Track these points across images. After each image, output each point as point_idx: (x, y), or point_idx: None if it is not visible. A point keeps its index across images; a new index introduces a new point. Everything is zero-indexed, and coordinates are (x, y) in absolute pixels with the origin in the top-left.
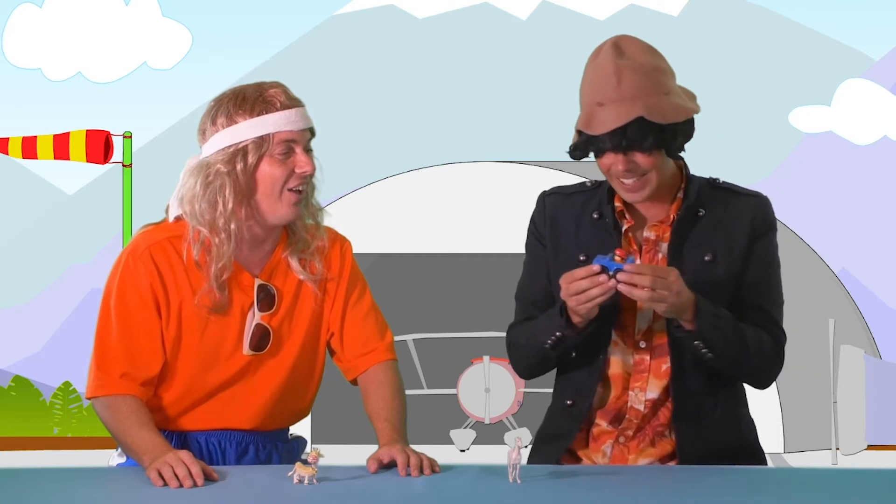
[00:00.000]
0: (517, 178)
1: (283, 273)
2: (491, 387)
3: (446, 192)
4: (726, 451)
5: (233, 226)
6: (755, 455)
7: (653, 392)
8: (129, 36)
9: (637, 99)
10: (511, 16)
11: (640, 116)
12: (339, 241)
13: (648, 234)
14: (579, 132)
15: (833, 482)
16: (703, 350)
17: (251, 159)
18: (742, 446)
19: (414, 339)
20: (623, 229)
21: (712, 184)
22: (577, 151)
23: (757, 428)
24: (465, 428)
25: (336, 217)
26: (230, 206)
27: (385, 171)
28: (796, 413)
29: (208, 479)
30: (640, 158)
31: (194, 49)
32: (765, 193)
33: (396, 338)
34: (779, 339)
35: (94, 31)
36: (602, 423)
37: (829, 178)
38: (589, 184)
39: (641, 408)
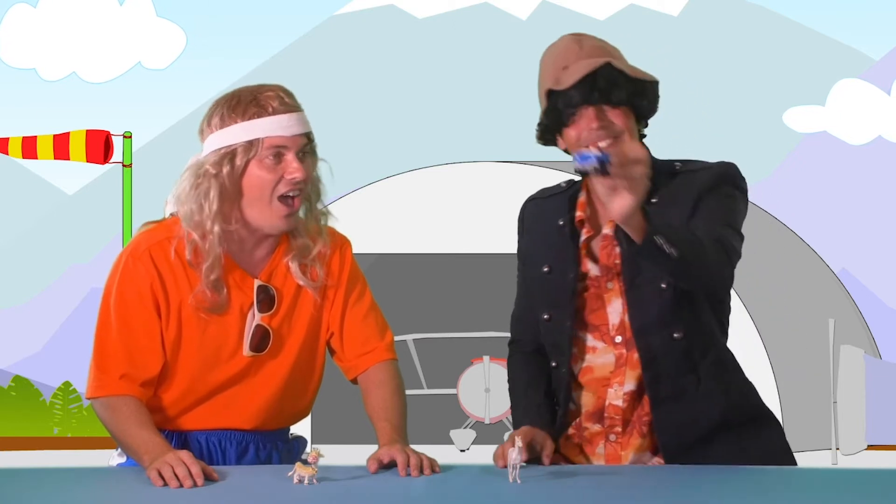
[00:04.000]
0: (517, 178)
1: (283, 274)
2: (491, 387)
3: (446, 192)
4: (722, 423)
5: (216, 228)
6: (758, 417)
7: (630, 384)
8: (123, 36)
9: (601, 56)
10: (511, 16)
11: (608, 64)
12: (339, 244)
13: (607, 230)
14: (546, 108)
15: (833, 482)
16: (666, 246)
17: (239, 162)
18: (742, 413)
19: (414, 339)
20: (581, 240)
21: (671, 170)
22: (546, 122)
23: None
24: (465, 428)
25: (336, 217)
26: (214, 207)
27: (385, 171)
28: (796, 413)
29: (208, 479)
30: (613, 115)
31: (189, 49)
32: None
33: (396, 338)
34: (725, 240)
35: (89, 31)
36: (589, 426)
37: (827, 178)
38: (564, 185)
39: (620, 402)
